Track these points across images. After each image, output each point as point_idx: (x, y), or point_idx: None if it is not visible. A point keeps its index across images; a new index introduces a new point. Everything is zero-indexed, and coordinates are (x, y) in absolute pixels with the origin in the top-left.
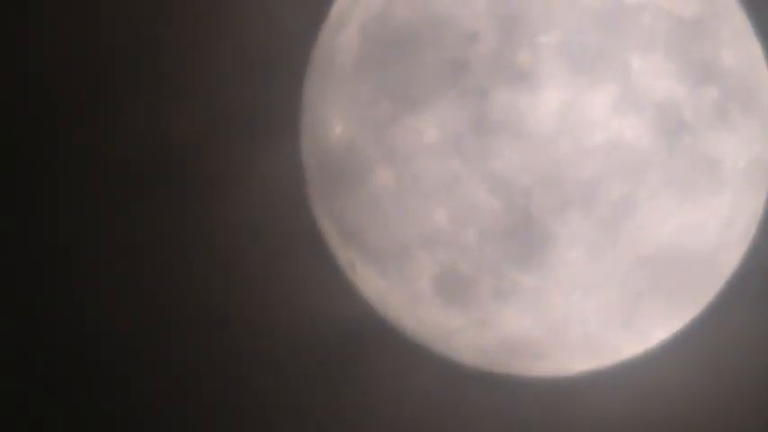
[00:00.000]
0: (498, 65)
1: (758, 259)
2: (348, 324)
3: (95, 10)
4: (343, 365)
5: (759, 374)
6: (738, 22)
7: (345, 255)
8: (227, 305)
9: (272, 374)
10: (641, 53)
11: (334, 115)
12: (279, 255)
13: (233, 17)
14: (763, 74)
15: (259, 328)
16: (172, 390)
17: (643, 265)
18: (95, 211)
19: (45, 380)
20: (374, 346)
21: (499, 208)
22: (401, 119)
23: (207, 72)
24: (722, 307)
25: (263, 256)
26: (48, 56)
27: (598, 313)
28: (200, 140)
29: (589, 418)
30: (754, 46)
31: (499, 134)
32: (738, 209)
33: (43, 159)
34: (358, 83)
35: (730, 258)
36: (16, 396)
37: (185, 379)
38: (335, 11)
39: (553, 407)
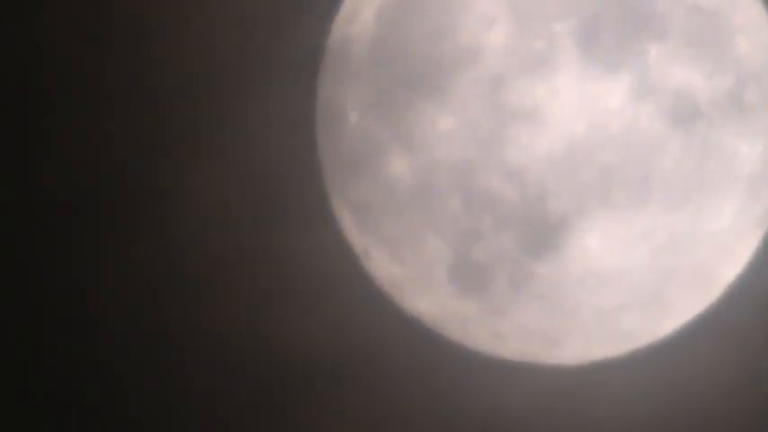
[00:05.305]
0: (514, 52)
1: None
2: (363, 311)
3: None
4: (357, 355)
5: None
6: (754, 11)
7: (361, 242)
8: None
9: (279, 368)
10: (658, 41)
11: (349, 103)
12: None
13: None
14: None
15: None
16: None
17: (658, 251)
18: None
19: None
20: (388, 333)
21: (515, 195)
22: (416, 106)
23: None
24: (739, 293)
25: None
26: None
27: (613, 300)
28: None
29: (604, 404)
30: None
31: (515, 121)
32: (754, 195)
33: None
34: (373, 70)
35: (746, 244)
36: None
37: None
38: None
39: (568, 393)
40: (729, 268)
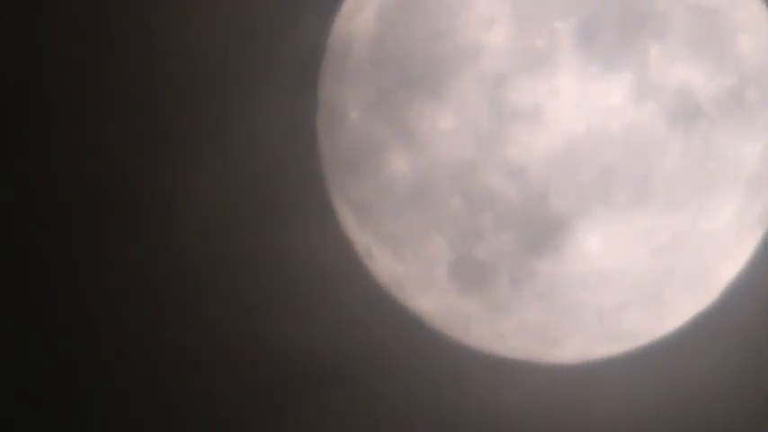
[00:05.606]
0: (515, 51)
1: None
2: (364, 311)
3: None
4: (358, 355)
5: None
6: (755, 10)
7: (361, 241)
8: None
9: (279, 368)
10: (658, 40)
11: (349, 102)
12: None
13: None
14: None
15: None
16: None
17: (660, 250)
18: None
19: None
20: (389, 333)
21: (515, 195)
22: (417, 105)
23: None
24: (739, 293)
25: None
26: None
27: (613, 300)
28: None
29: (604, 403)
30: None
31: (516, 120)
32: (754, 194)
33: None
34: (374, 69)
35: (747, 243)
36: None
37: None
38: None
39: (568, 392)
40: (729, 268)
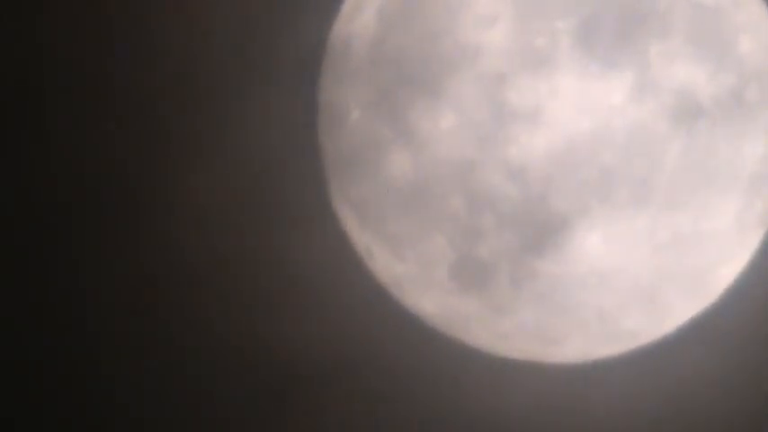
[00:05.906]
0: (516, 50)
1: None
2: (364, 311)
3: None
4: (358, 354)
5: None
6: (756, 9)
7: (362, 240)
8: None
9: (279, 368)
10: (659, 39)
11: (350, 101)
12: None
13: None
14: None
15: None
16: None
17: (660, 250)
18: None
19: None
20: (389, 333)
21: (516, 194)
22: (417, 104)
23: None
24: (739, 293)
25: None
26: None
27: (613, 300)
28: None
29: (604, 404)
30: None
31: (516, 120)
32: (755, 194)
33: None
34: (374, 69)
35: (747, 243)
36: None
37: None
38: None
39: (568, 392)
40: (730, 268)
